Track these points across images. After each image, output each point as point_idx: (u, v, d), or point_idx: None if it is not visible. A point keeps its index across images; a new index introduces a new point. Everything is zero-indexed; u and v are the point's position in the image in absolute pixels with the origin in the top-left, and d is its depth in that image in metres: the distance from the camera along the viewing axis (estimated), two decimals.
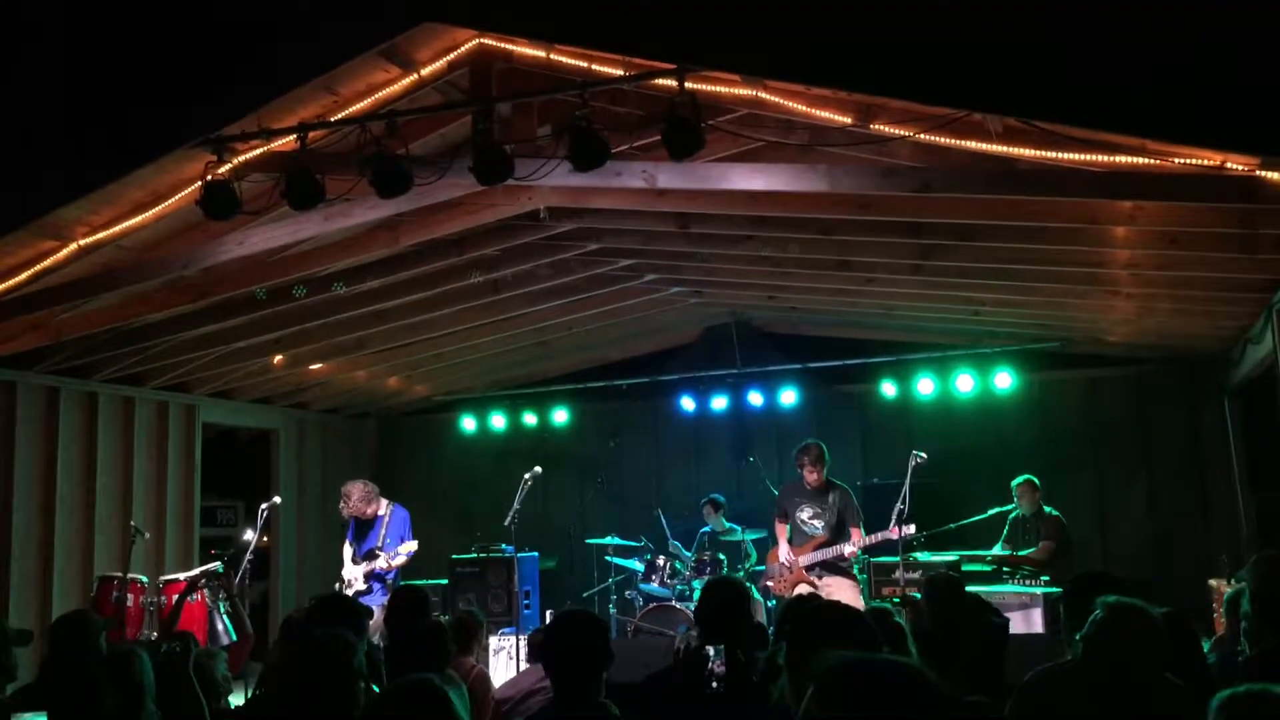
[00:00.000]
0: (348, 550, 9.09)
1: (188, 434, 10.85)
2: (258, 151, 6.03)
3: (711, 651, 4.07)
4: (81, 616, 5.37)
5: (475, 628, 6.42)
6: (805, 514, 8.52)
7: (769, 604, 9.77)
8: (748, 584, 9.55)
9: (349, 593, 8.46)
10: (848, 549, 8.27)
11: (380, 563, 8.64)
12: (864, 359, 11.44)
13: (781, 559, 8.54)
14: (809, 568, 8.37)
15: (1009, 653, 5.97)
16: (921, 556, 8.52)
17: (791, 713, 2.71)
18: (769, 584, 8.75)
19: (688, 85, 5.22)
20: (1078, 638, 3.02)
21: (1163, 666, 2.93)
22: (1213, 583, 7.71)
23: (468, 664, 5.78)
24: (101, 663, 3.82)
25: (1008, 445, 10.69)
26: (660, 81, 5.46)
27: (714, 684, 4.26)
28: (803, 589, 8.23)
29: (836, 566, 8.34)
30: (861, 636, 2.90)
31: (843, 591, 8.11)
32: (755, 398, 11.53)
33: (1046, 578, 8.42)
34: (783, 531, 8.68)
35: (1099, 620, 2.98)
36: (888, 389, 11.23)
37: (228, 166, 5.86)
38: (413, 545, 8.72)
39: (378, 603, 8.08)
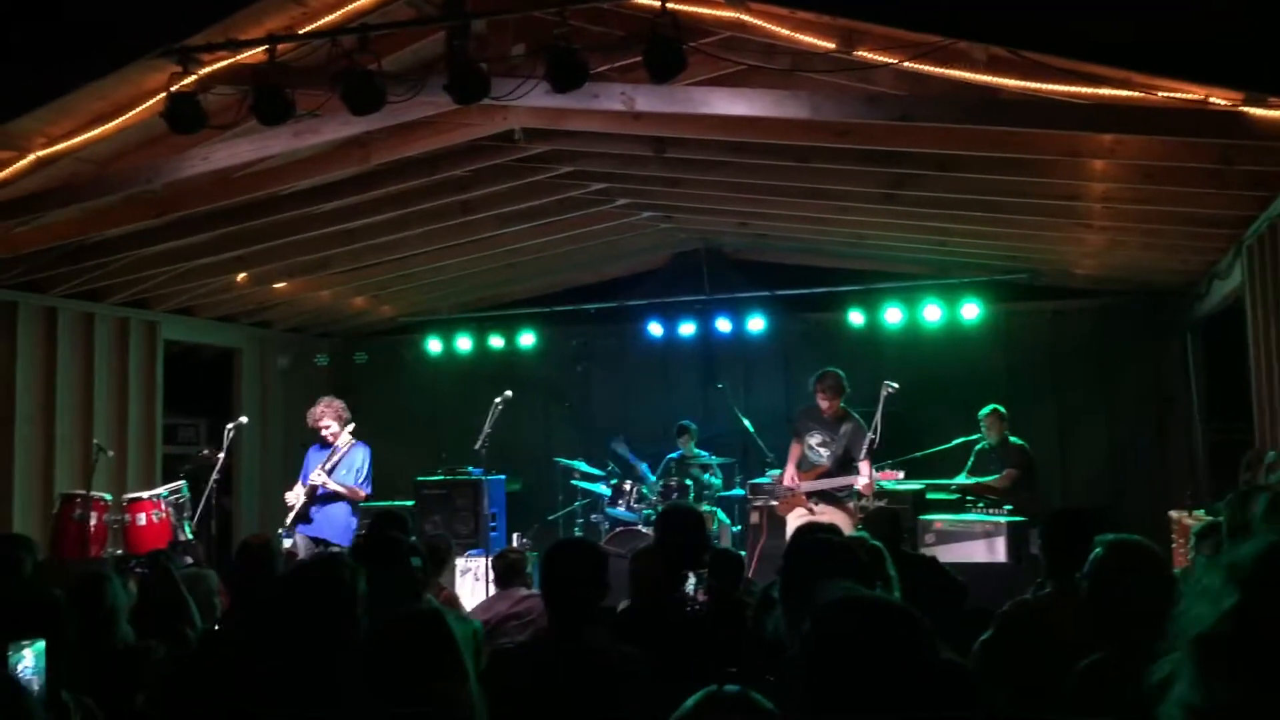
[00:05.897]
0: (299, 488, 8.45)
1: (149, 351, 10.68)
2: (224, 63, 5.82)
3: (692, 579, 4.09)
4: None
5: (445, 552, 6.43)
6: (814, 439, 8.45)
7: (735, 529, 9.85)
8: (715, 509, 9.64)
9: (290, 516, 8.16)
10: (861, 482, 8.06)
11: (315, 477, 8.09)
12: (832, 288, 11.42)
13: (786, 482, 8.50)
14: (808, 495, 8.37)
15: (974, 579, 6.06)
16: (888, 486, 8.57)
17: (787, 645, 2.72)
18: (773, 503, 8.74)
19: (669, 5, 5.09)
20: (1079, 576, 3.01)
21: (1168, 607, 2.94)
22: (1173, 514, 7.84)
23: (436, 587, 5.79)
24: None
25: (973, 375, 10.73)
26: (641, 0, 5.33)
27: (689, 609, 4.29)
28: (800, 514, 8.22)
29: (834, 497, 8.27)
30: (852, 571, 2.91)
31: (836, 522, 8.06)
32: (723, 324, 11.51)
33: (1010, 506, 8.53)
34: (794, 454, 8.54)
35: (1101, 559, 2.97)
36: (855, 318, 11.23)
37: (193, 78, 5.66)
38: (361, 494, 8.20)
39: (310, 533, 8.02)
